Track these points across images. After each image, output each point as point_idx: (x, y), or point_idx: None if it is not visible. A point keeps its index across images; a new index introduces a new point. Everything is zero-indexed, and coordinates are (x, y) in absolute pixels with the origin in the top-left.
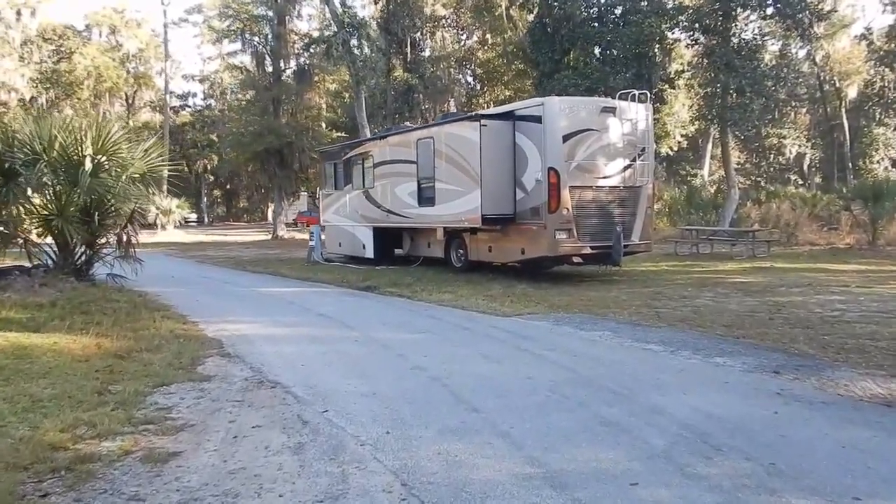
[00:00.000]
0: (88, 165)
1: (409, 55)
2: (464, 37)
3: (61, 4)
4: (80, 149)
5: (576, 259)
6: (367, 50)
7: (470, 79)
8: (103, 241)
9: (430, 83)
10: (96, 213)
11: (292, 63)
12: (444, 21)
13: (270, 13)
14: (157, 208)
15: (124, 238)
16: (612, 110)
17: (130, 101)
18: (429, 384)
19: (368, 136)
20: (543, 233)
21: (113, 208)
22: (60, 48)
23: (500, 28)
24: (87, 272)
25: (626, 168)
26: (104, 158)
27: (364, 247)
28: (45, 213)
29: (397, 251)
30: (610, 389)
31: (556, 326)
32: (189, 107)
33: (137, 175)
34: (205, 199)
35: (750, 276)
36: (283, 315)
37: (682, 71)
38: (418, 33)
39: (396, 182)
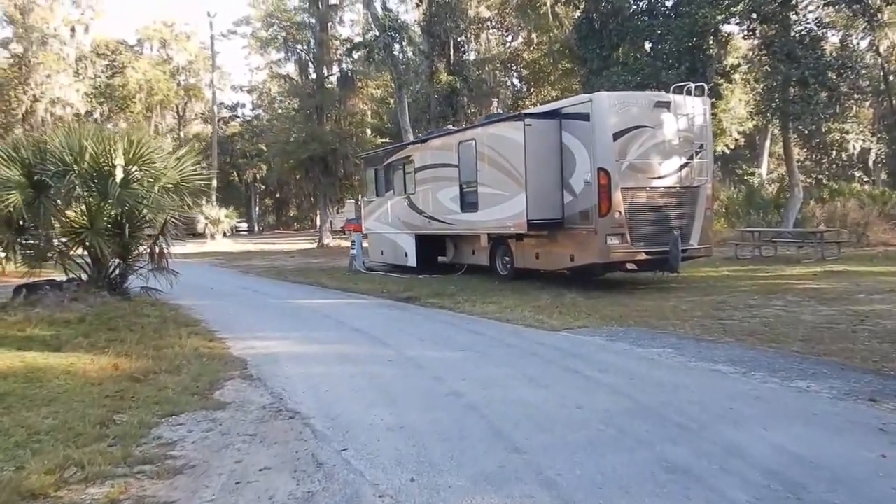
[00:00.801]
0: (119, 175)
1: (452, 58)
2: (509, 38)
3: (114, 20)
4: (110, 159)
5: (629, 266)
6: (409, 53)
7: (516, 81)
8: (136, 253)
9: (474, 86)
10: (127, 225)
11: (335, 69)
12: (488, 23)
13: (313, 20)
14: (206, 218)
15: (157, 250)
16: (666, 105)
17: (181, 113)
18: (465, 415)
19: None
20: (594, 238)
21: (144, 220)
22: (113, 63)
23: (546, 26)
24: (121, 285)
25: (682, 167)
26: (135, 168)
27: (406, 255)
28: (76, 225)
29: (441, 259)
30: (674, 422)
31: (609, 342)
32: (238, 117)
33: (171, 185)
34: (256, 208)
35: (822, 282)
36: (316, 330)
37: (739, 65)
38: (462, 36)
39: (438, 187)
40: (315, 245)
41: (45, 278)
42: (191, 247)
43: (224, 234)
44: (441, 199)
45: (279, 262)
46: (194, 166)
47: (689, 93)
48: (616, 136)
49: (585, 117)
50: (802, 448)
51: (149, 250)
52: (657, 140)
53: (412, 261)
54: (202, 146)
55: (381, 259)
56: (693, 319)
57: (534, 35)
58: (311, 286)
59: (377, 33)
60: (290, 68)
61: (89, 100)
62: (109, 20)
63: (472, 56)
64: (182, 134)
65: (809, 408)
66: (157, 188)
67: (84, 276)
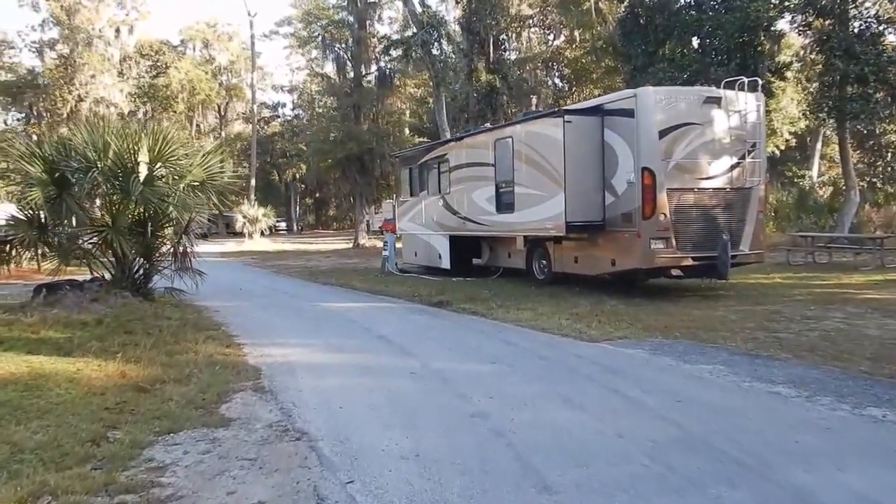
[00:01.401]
0: (143, 173)
1: (491, 56)
2: (550, 37)
3: (158, 21)
4: (134, 156)
5: (675, 272)
6: (446, 48)
7: (557, 80)
8: (160, 252)
9: (514, 85)
10: (149, 224)
11: (373, 68)
12: (529, 21)
13: (351, 18)
14: (244, 217)
15: (180, 249)
16: (716, 101)
17: (223, 113)
18: (489, 441)
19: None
20: (637, 242)
21: (169, 218)
22: (157, 63)
23: (589, 23)
24: (144, 286)
25: (733, 167)
26: (159, 166)
27: (440, 257)
28: (98, 224)
29: (475, 261)
30: (731, 457)
31: (653, 357)
32: (279, 117)
33: (197, 183)
34: (297, 208)
35: (884, 292)
36: (339, 337)
37: (791, 63)
38: (503, 34)
39: (473, 187)
40: (351, 245)
41: (66, 278)
42: (229, 245)
43: (262, 234)
44: (476, 199)
45: (313, 263)
46: (222, 163)
47: (741, 88)
48: (662, 133)
49: (629, 114)
50: (887, 496)
51: (172, 250)
52: (706, 138)
53: (446, 263)
54: (243, 146)
55: (414, 260)
56: (745, 332)
57: (576, 32)
58: (342, 288)
59: (415, 30)
60: (329, 67)
61: (133, 100)
62: (153, 21)
63: (512, 55)
64: (223, 133)
65: (889, 443)
66: (182, 186)
67: (108, 276)
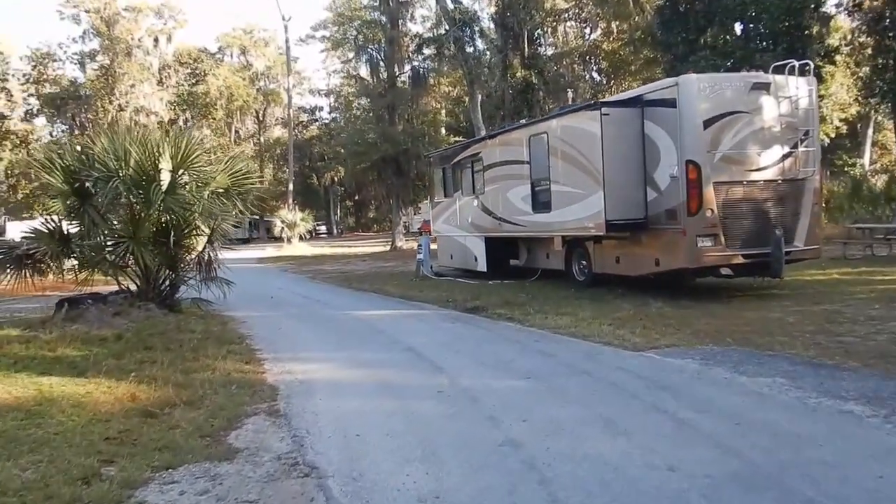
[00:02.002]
0: (166, 180)
1: (526, 51)
2: (587, 30)
3: (195, 29)
4: (156, 164)
5: (724, 271)
6: (480, 45)
7: (595, 74)
8: (185, 263)
9: (551, 80)
10: (172, 234)
11: (406, 68)
12: (565, 15)
13: (384, 18)
14: (283, 222)
15: (205, 258)
16: (765, 87)
17: (261, 119)
18: (521, 478)
19: None
20: (682, 240)
21: (193, 227)
22: (195, 71)
23: (626, 13)
24: (171, 297)
25: (785, 157)
26: (182, 173)
27: (476, 259)
28: (119, 235)
29: (513, 262)
30: (805, 499)
31: (704, 368)
32: (316, 120)
33: (222, 190)
34: (338, 211)
35: None
36: (364, 350)
37: (839, 46)
38: (538, 29)
39: (508, 186)
40: (388, 247)
41: (92, 290)
42: (268, 250)
43: (301, 238)
44: (511, 198)
45: (349, 267)
46: (260, 167)
47: (791, 72)
48: (707, 123)
49: (671, 104)
50: None
51: (197, 260)
52: (755, 127)
53: (482, 265)
54: (282, 150)
55: (449, 263)
56: (805, 336)
57: (613, 24)
58: (375, 294)
59: (447, 28)
60: (363, 69)
61: (173, 108)
62: (191, 29)
63: (548, 50)
64: (262, 139)
65: None
66: (206, 194)
67: (134, 288)
